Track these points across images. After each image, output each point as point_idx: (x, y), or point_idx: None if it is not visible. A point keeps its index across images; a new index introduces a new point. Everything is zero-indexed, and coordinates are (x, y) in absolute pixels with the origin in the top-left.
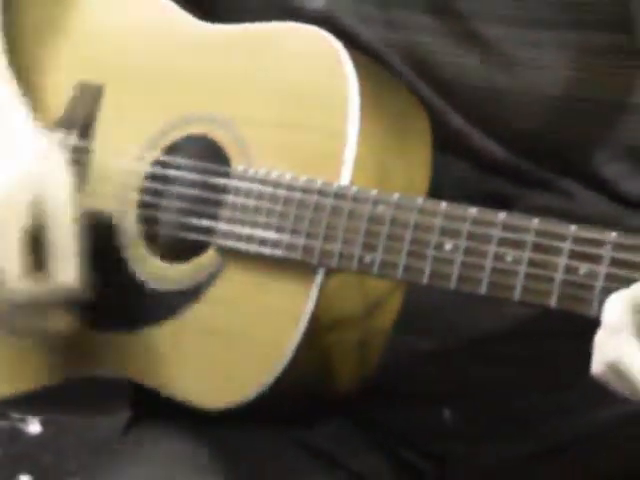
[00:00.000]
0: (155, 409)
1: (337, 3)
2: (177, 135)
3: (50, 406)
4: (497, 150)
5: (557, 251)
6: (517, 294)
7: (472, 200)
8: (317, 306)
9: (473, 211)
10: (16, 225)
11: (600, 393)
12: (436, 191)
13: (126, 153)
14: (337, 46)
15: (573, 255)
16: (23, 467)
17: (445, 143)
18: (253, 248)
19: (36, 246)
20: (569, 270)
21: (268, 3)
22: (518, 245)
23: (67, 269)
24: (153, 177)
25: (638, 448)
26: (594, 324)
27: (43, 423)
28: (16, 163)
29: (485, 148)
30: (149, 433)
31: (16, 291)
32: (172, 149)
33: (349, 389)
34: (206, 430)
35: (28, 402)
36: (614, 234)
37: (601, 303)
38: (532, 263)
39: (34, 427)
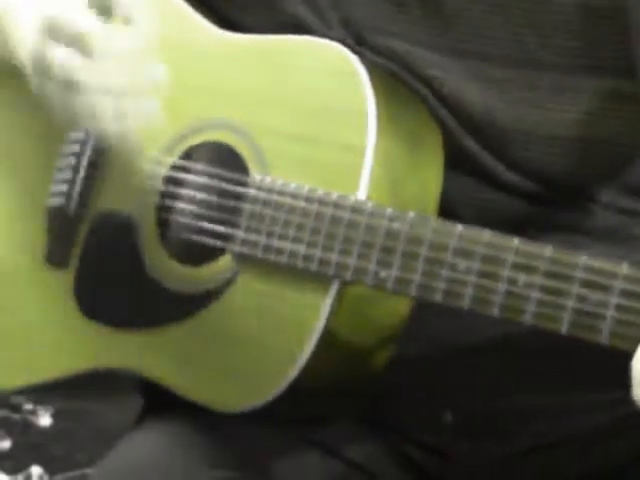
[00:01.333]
0: (166, 401)
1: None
2: (195, 140)
3: (62, 396)
4: (508, 173)
5: (569, 279)
6: (529, 318)
7: (484, 217)
8: (330, 318)
9: (487, 235)
10: None
11: (586, 397)
12: (447, 207)
13: (145, 156)
14: (354, 61)
15: (584, 284)
16: (34, 458)
17: (457, 161)
18: (270, 257)
19: None
20: (580, 298)
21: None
22: (531, 271)
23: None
24: (172, 181)
25: (623, 446)
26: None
27: (54, 415)
28: None
29: (496, 169)
30: (160, 425)
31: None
32: (190, 154)
33: (356, 391)
34: (217, 423)
35: (40, 392)
36: (626, 266)
37: (611, 332)
38: (544, 289)
39: (45, 419)
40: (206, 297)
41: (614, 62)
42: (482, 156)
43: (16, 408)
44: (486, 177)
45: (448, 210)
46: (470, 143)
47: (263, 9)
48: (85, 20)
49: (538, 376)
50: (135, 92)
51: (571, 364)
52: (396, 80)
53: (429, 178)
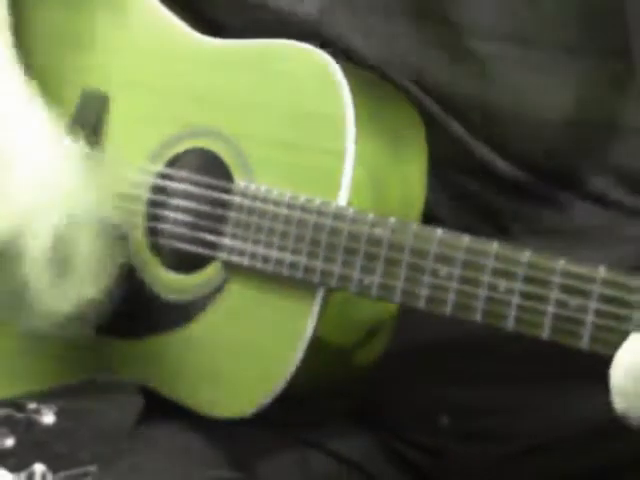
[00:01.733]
0: (166, 402)
1: (331, 11)
2: (179, 148)
3: (64, 397)
4: (496, 161)
5: (548, 284)
6: (510, 324)
7: (470, 214)
8: (318, 323)
9: (466, 240)
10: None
11: (583, 398)
12: (434, 204)
13: (131, 165)
14: (331, 65)
15: (563, 289)
16: (37, 456)
17: (444, 153)
18: (257, 265)
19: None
20: (560, 303)
21: (262, 6)
22: (510, 276)
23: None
24: (158, 189)
25: (621, 447)
26: None
27: (57, 414)
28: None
29: (484, 159)
30: (160, 426)
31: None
32: (174, 162)
33: (349, 391)
34: (213, 425)
35: (43, 394)
36: (603, 269)
37: (591, 337)
38: (524, 295)
39: (48, 418)
40: (196, 305)
41: (609, 43)
42: (468, 142)
43: (20, 406)
44: (473, 170)
45: (435, 207)
46: (459, 130)
47: None
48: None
49: (535, 377)
50: None
51: (569, 365)
52: (375, 77)
53: (413, 176)
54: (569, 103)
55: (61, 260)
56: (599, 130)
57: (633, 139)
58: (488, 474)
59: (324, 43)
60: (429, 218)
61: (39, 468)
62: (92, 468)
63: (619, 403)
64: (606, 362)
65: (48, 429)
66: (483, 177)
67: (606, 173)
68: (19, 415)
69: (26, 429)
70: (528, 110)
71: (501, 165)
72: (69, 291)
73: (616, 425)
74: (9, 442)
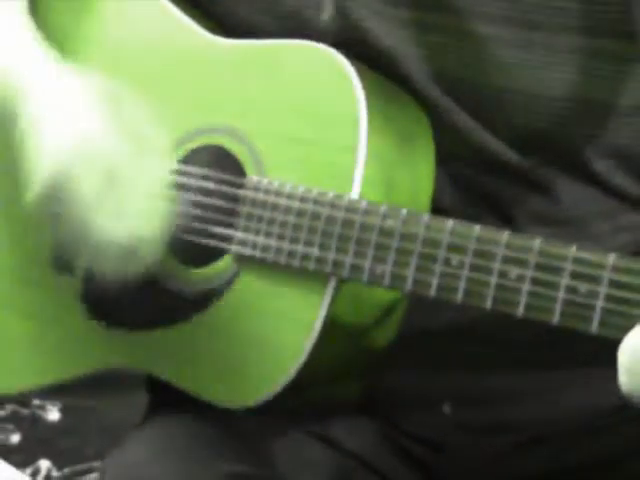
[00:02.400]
0: (171, 398)
1: (347, 9)
2: (194, 145)
3: (68, 394)
4: (497, 147)
5: (558, 271)
6: (521, 310)
7: (473, 200)
8: (329, 313)
9: (477, 229)
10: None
11: (586, 389)
12: (439, 195)
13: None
14: (345, 65)
15: (574, 275)
16: (43, 452)
17: (450, 143)
18: (269, 257)
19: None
20: (570, 289)
21: (281, 17)
22: (521, 264)
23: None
24: (173, 185)
25: (622, 437)
26: None
27: (62, 410)
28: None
29: (484, 145)
30: (165, 420)
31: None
32: (188, 158)
33: (357, 385)
34: (220, 418)
35: (48, 390)
36: (613, 256)
37: (600, 322)
38: (535, 281)
39: (53, 414)
40: (209, 296)
41: (612, 24)
42: (474, 130)
43: (25, 403)
44: (477, 157)
45: (439, 194)
46: (464, 118)
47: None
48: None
49: (538, 369)
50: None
51: (573, 355)
52: (384, 78)
53: (421, 173)
54: (568, 81)
55: (115, 195)
56: (598, 108)
57: (633, 119)
58: (490, 466)
59: (339, 36)
60: (433, 210)
61: (44, 464)
62: (97, 464)
63: (625, 384)
64: (610, 351)
65: (53, 425)
66: (486, 166)
67: (607, 156)
68: (24, 411)
69: (31, 425)
70: (527, 89)
71: (503, 150)
72: (125, 224)
73: (618, 416)
74: (15, 438)
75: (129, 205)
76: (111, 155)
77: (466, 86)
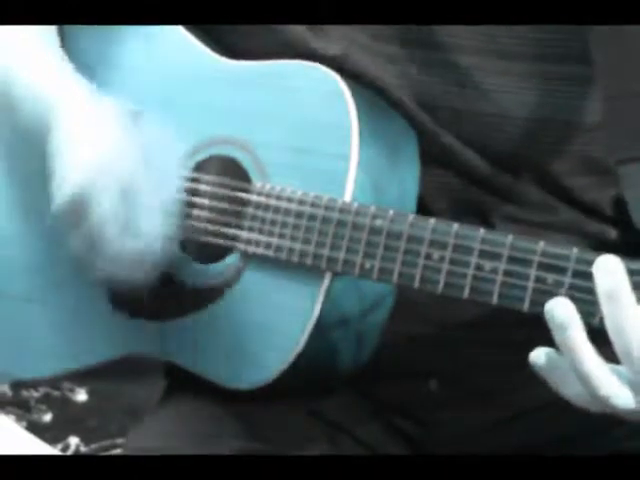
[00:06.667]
0: (185, 382)
1: (353, 47)
2: (204, 155)
3: (95, 378)
4: (478, 164)
5: (528, 263)
6: (495, 299)
7: (455, 208)
8: (324, 305)
9: (456, 226)
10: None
11: None
12: (424, 200)
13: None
14: (339, 81)
15: (542, 267)
16: (72, 429)
17: (434, 158)
18: (271, 254)
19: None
20: (539, 280)
21: (286, 47)
22: (495, 257)
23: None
24: (186, 191)
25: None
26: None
27: (89, 392)
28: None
29: (467, 162)
30: (179, 402)
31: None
32: (200, 167)
33: (351, 370)
34: (229, 400)
35: (76, 375)
36: (576, 250)
37: None
38: (507, 273)
39: (81, 396)
40: (219, 289)
41: (571, 50)
42: (455, 148)
43: (56, 386)
44: (458, 171)
45: (425, 203)
46: (447, 138)
47: (265, 32)
48: None
49: (522, 345)
50: None
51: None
52: (374, 94)
53: (407, 179)
54: (533, 103)
55: (129, 211)
56: (562, 126)
57: (594, 133)
58: (476, 440)
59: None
60: (423, 213)
61: (73, 440)
62: (120, 440)
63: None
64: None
65: (81, 406)
66: (469, 177)
67: (582, 171)
68: (55, 393)
69: (62, 406)
70: (501, 112)
71: (483, 166)
72: (138, 229)
73: None
74: (47, 417)
75: (142, 220)
76: (127, 175)
77: (450, 111)
